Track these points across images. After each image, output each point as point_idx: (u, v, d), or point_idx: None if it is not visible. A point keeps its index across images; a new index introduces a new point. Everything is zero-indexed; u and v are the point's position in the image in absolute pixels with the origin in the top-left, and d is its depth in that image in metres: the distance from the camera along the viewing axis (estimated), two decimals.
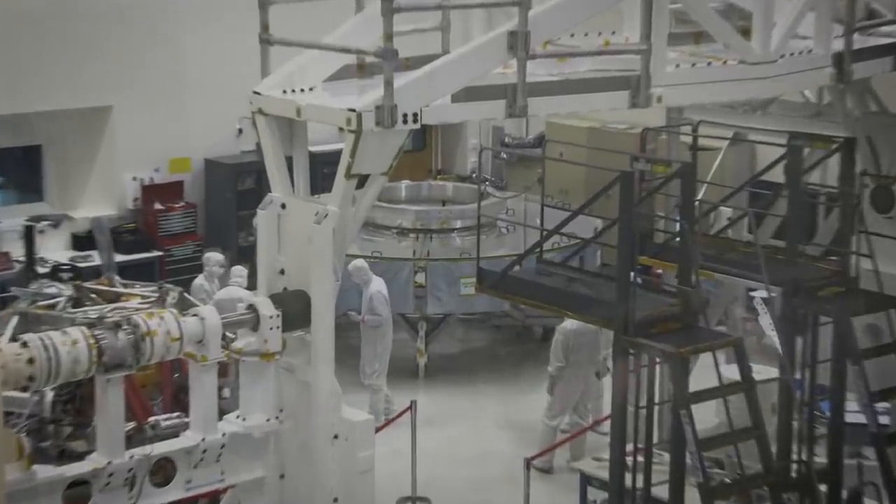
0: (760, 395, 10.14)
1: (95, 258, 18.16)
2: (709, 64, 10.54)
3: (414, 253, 17.28)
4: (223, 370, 10.21)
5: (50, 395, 9.89)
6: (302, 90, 9.77)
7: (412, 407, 13.36)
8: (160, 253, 18.91)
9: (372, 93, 9.09)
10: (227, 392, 10.82)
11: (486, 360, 18.06)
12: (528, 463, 12.63)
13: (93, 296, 11.09)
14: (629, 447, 10.08)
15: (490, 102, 9.42)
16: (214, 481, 9.43)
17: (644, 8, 9.65)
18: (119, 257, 18.29)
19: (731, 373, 10.22)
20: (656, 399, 10.61)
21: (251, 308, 9.34)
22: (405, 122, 8.98)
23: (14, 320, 10.44)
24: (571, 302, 10.48)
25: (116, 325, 8.76)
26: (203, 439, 9.25)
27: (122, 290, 11.38)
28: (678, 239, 10.49)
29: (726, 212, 13.39)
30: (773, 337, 10.39)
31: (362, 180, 9.37)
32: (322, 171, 17.53)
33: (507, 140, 22.40)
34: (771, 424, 10.50)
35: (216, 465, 9.39)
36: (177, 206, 19.41)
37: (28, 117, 18.50)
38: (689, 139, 12.36)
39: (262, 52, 9.93)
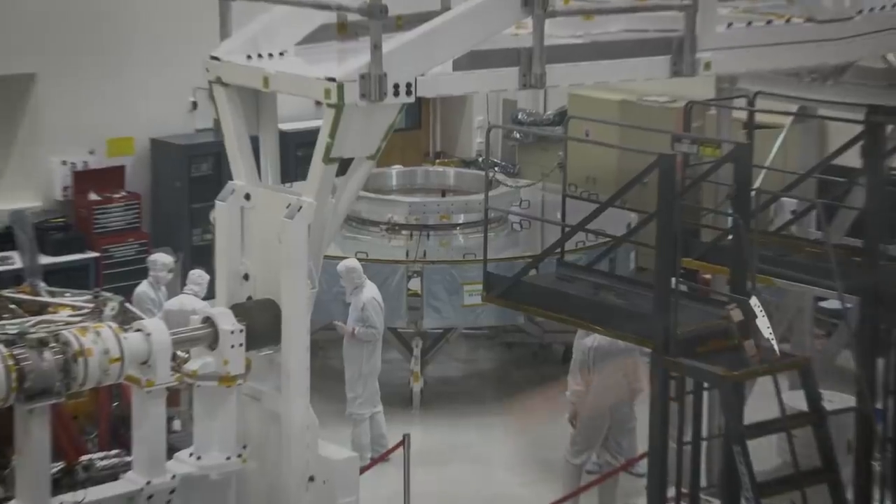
0: (833, 428, 10.15)
1: (16, 260, 18.14)
2: (768, 22, 10.57)
3: (407, 254, 17.29)
4: (173, 398, 10.19)
5: None
6: (270, 55, 9.76)
7: (405, 442, 13.36)
8: (96, 254, 18.93)
9: (356, 59, 9.09)
10: (177, 424, 10.84)
11: (495, 384, 18.09)
12: None
13: (12, 306, 11.08)
14: (670, 492, 10.08)
15: (500, 70, 9.43)
16: None
17: None
18: (45, 259, 18.29)
19: (797, 401, 10.24)
20: (704, 433, 10.61)
21: (207, 321, 9.33)
22: (396, 94, 8.97)
23: None
24: (599, 314, 10.50)
25: (41, 343, 8.73)
26: (148, 483, 9.21)
27: (48, 299, 11.39)
28: (730, 237, 10.50)
29: (790, 204, 13.40)
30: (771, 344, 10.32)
31: (344, 165, 9.37)
32: (295, 154, 17.70)
33: (520, 117, 22.44)
34: (846, 465, 10.50)
35: None
36: (116, 196, 19.41)
37: None
38: (743, 115, 12.38)
39: (222, 9, 9.91)
